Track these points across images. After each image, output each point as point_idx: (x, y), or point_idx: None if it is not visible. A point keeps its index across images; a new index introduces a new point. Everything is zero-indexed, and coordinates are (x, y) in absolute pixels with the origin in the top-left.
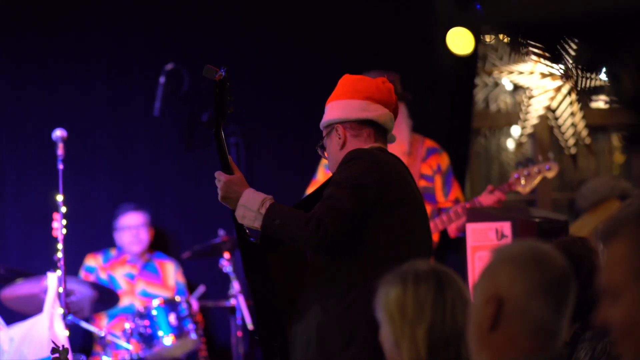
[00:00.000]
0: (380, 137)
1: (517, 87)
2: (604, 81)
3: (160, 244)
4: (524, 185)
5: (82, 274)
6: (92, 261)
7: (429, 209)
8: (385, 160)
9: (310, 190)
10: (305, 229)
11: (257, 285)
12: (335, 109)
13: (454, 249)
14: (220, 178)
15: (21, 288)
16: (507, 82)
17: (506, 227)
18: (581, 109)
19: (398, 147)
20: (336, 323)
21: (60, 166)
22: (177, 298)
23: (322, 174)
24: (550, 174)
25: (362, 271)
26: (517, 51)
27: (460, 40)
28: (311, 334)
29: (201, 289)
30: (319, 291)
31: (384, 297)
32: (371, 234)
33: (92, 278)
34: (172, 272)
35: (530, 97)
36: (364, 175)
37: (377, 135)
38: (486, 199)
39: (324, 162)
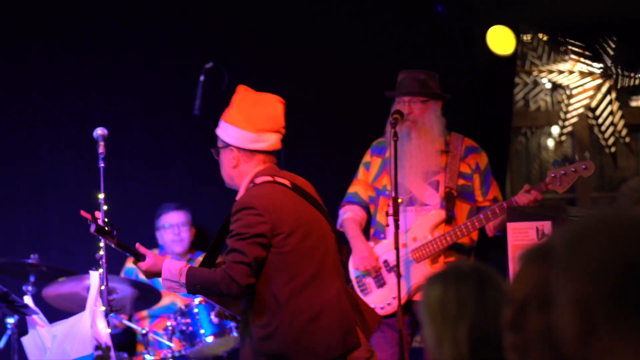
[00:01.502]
0: (270, 158)
1: (556, 86)
2: None
3: (201, 243)
4: (560, 185)
5: (122, 277)
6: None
7: (467, 207)
8: (271, 200)
9: (352, 189)
10: (222, 288)
11: None
12: (231, 133)
13: (494, 247)
14: (140, 268)
15: (63, 286)
16: (546, 81)
17: (547, 226)
18: (621, 107)
19: (432, 146)
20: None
21: (102, 164)
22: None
23: (363, 173)
24: (586, 174)
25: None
26: (557, 50)
27: (501, 40)
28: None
29: None
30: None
31: (425, 297)
32: (274, 265)
33: None
34: None
35: (569, 96)
36: (256, 224)
37: (267, 157)
38: (522, 198)
39: (364, 160)
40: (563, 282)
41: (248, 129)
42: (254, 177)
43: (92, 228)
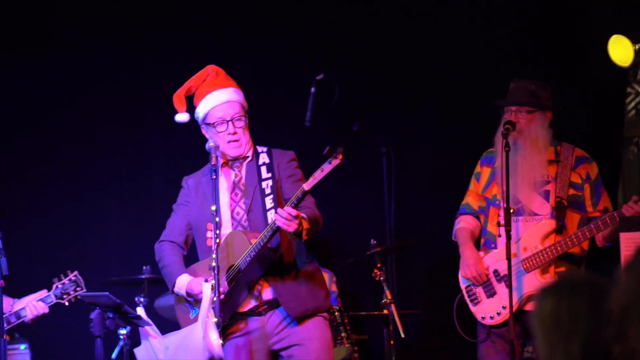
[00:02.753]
0: None
1: None
2: None
3: (315, 253)
4: None
5: None
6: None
7: (577, 217)
8: None
9: (465, 200)
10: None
11: None
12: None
13: (605, 257)
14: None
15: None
16: None
17: None
18: None
19: (539, 156)
20: None
21: (214, 176)
22: (331, 307)
23: (474, 184)
24: None
25: None
26: None
27: (621, 50)
28: None
29: None
30: None
31: (538, 309)
32: None
33: None
34: (327, 281)
35: None
36: None
37: None
38: (629, 209)
39: (475, 171)
40: None
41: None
42: None
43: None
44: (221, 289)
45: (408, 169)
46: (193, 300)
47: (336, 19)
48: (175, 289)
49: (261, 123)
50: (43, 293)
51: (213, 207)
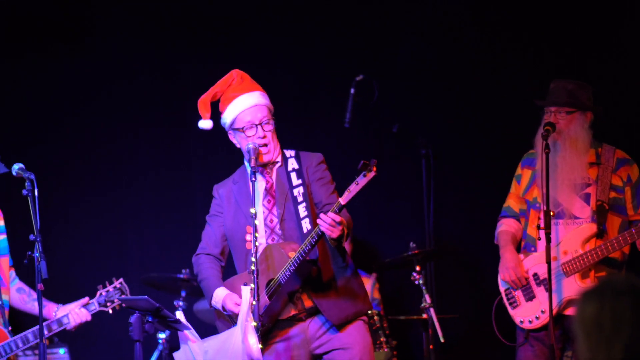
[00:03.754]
0: None
1: None
2: None
3: (355, 257)
4: None
5: None
6: None
7: (618, 220)
8: None
9: (506, 203)
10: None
11: None
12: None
13: None
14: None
15: None
16: None
17: None
18: None
19: (579, 158)
20: None
21: (253, 178)
22: (369, 311)
23: (515, 187)
24: None
25: None
26: None
27: None
28: None
29: None
30: None
31: (580, 313)
32: None
33: None
34: (368, 288)
35: None
36: None
37: None
38: None
39: (516, 173)
40: None
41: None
42: None
43: None
44: (261, 302)
45: (448, 171)
46: (230, 313)
47: (375, 21)
48: (213, 303)
49: (300, 124)
50: (86, 300)
51: (252, 210)
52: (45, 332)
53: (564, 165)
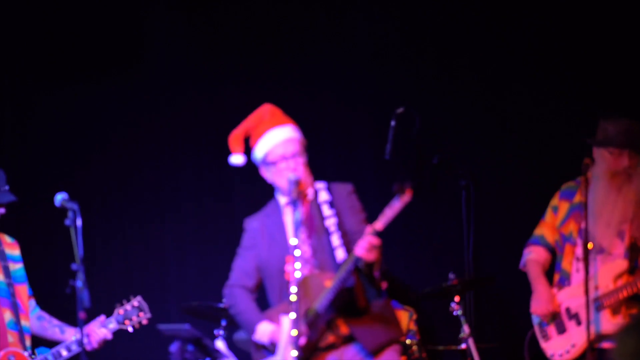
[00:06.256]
0: None
1: None
2: None
3: (394, 289)
4: None
5: None
6: None
7: None
8: None
9: (538, 230)
10: None
11: None
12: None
13: None
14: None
15: None
16: None
17: None
18: None
19: (620, 194)
20: None
21: (295, 209)
22: (408, 341)
23: (550, 216)
24: None
25: None
26: None
27: None
28: None
29: None
30: None
31: (620, 348)
32: None
33: None
34: (405, 321)
35: None
36: None
37: None
38: None
39: (552, 203)
40: None
41: None
42: None
43: None
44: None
45: (488, 202)
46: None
47: (416, 52)
48: (256, 337)
49: (341, 156)
50: (102, 319)
51: (293, 241)
52: (65, 353)
53: (605, 201)
